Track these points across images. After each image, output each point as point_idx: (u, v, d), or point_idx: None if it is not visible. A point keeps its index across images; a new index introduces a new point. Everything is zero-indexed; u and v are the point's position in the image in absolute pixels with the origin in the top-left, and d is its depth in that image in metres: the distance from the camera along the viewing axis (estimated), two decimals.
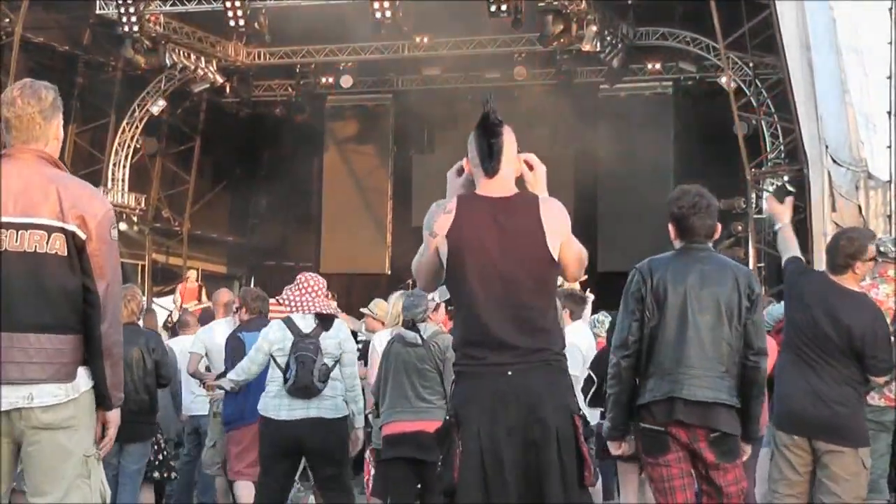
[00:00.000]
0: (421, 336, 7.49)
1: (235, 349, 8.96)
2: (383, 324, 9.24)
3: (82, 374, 4.33)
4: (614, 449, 5.79)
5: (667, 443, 5.40)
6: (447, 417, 4.50)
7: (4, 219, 4.22)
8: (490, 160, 4.56)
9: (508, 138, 4.61)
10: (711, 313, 5.40)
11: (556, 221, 4.53)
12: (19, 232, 4.22)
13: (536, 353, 4.42)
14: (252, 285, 23.28)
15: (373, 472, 8.81)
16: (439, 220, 4.55)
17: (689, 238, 5.62)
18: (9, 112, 4.37)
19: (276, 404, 7.65)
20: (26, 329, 4.19)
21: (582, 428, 4.44)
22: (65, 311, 4.26)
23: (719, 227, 5.75)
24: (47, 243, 4.23)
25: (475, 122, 4.63)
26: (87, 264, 4.30)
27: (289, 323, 7.77)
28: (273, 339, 7.76)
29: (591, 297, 10.90)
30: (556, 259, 4.50)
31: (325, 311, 7.78)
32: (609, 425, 5.68)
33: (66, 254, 4.25)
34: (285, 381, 7.55)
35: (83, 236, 4.27)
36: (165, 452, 9.45)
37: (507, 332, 4.40)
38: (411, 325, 7.62)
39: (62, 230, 4.25)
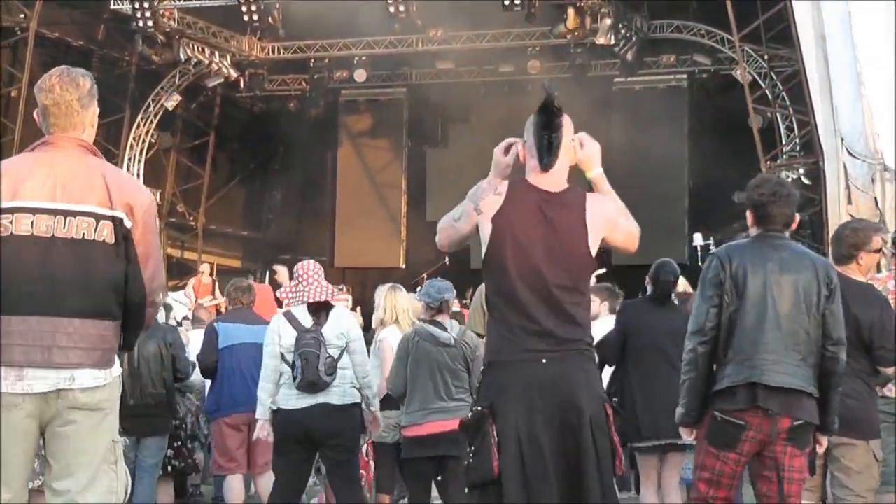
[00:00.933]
0: (454, 337, 7.53)
1: (210, 337, 9.02)
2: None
3: (116, 360, 4.40)
4: (686, 434, 5.74)
5: (736, 439, 5.35)
6: (478, 408, 4.49)
7: (53, 205, 4.26)
8: (549, 154, 4.58)
9: (567, 130, 4.64)
10: (791, 300, 5.37)
11: (600, 218, 4.58)
12: (67, 219, 4.26)
13: (570, 343, 4.47)
14: (266, 280, 23.31)
15: (374, 466, 8.80)
16: (487, 198, 4.57)
17: (766, 225, 5.59)
18: (47, 99, 4.40)
19: (286, 395, 7.69)
20: (72, 314, 4.24)
21: (613, 416, 4.49)
22: (108, 299, 4.31)
23: (797, 217, 5.73)
24: (95, 230, 4.27)
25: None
26: (133, 252, 4.35)
27: (290, 317, 7.76)
28: (280, 334, 7.76)
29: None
30: (594, 257, 4.56)
31: (317, 300, 7.73)
32: (682, 411, 5.61)
33: (113, 242, 4.30)
34: (294, 377, 7.57)
35: (129, 225, 4.32)
36: (187, 444, 9.50)
37: (542, 320, 4.44)
38: (434, 321, 7.62)
39: (111, 218, 4.30)
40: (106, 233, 4.28)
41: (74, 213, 4.26)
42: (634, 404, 7.73)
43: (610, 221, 4.62)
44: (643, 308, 8.20)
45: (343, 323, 7.79)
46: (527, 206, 4.53)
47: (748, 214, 5.69)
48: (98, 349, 4.28)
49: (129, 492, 4.50)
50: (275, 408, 7.75)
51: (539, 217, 4.51)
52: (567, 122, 4.63)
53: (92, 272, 4.26)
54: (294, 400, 7.64)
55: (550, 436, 4.35)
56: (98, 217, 4.27)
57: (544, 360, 4.40)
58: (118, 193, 4.33)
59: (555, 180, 4.60)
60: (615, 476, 4.50)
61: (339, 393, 7.65)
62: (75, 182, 4.31)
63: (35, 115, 4.51)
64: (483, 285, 7.35)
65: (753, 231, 5.66)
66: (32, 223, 4.23)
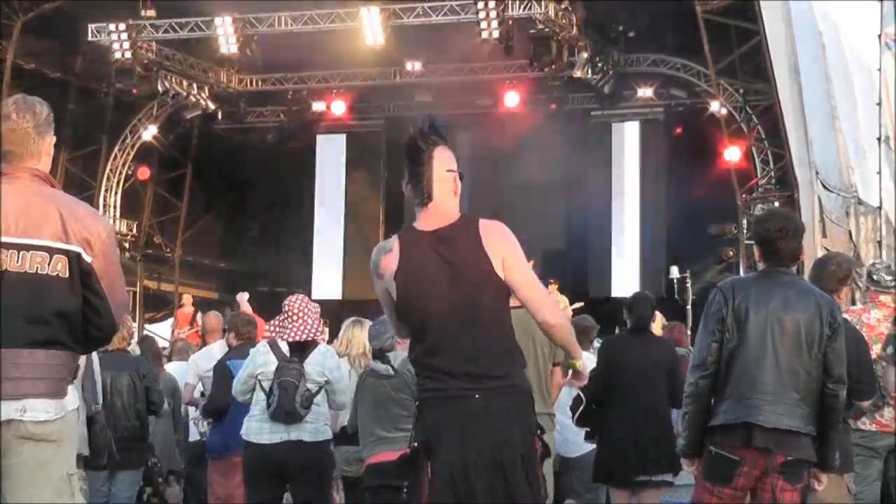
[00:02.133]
0: (392, 367, 7.47)
1: (222, 376, 8.93)
2: None
3: (71, 391, 4.32)
4: (687, 466, 5.72)
5: (731, 475, 5.32)
6: (413, 444, 4.43)
7: (6, 239, 4.20)
8: (422, 187, 4.48)
9: (439, 159, 4.52)
10: (792, 339, 5.33)
11: (498, 241, 4.44)
12: (20, 253, 4.20)
13: (498, 379, 4.39)
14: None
15: (339, 499, 8.77)
16: (383, 261, 4.50)
17: (774, 261, 5.56)
18: (4, 126, 4.35)
19: (257, 428, 7.62)
20: (20, 345, 4.18)
21: (541, 450, 4.49)
22: (59, 329, 4.25)
23: (804, 248, 5.73)
24: (49, 265, 4.22)
25: (431, 152, 4.55)
26: (97, 285, 4.29)
27: (273, 347, 7.74)
28: (259, 362, 7.74)
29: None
30: (503, 279, 4.42)
31: (299, 339, 7.69)
32: (683, 443, 5.61)
33: (67, 276, 4.25)
34: (268, 405, 7.53)
35: (89, 259, 4.27)
36: (160, 480, 9.43)
37: (466, 361, 4.37)
38: (380, 354, 7.59)
39: (65, 252, 4.24)
40: (60, 267, 4.22)
41: (28, 248, 4.19)
42: (611, 441, 7.77)
43: (510, 248, 4.45)
44: (623, 342, 8.23)
45: (327, 362, 7.75)
46: (420, 251, 4.43)
47: (755, 250, 5.68)
48: (46, 378, 4.20)
49: None
50: (246, 440, 7.71)
51: (436, 258, 4.40)
52: (440, 151, 4.53)
53: (44, 306, 4.20)
54: (266, 434, 7.57)
55: (483, 471, 4.30)
56: (52, 251, 4.20)
57: (476, 396, 4.33)
58: (74, 227, 4.25)
59: (442, 212, 4.47)
60: None
61: (313, 430, 7.61)
62: (28, 215, 4.24)
63: None
64: None
65: (761, 266, 5.65)
66: None
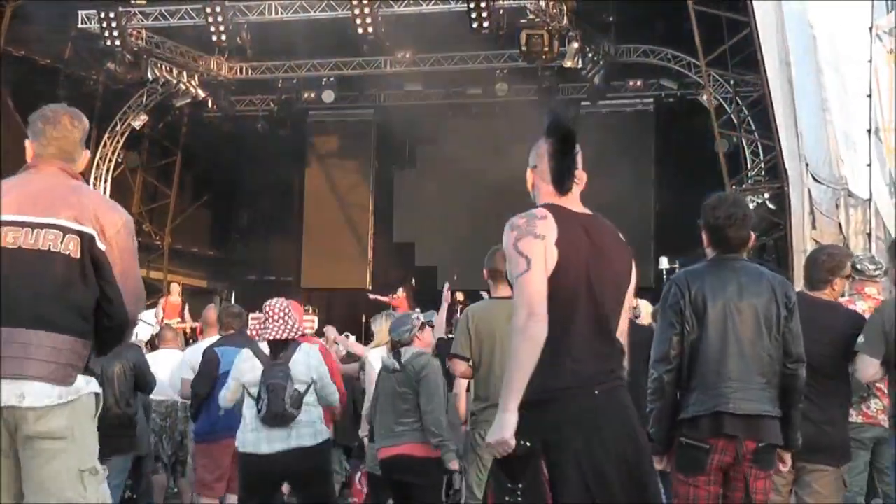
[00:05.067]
0: (399, 362, 7.50)
1: (209, 363, 8.95)
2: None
3: (81, 380, 4.30)
4: (657, 464, 5.71)
5: (704, 463, 5.32)
6: (523, 443, 4.17)
7: (21, 217, 4.28)
8: (568, 179, 4.50)
9: (580, 154, 4.58)
10: (751, 325, 5.35)
11: (627, 245, 4.53)
12: (35, 231, 4.27)
13: (615, 372, 4.37)
14: (233, 300, 23.21)
15: (364, 493, 8.84)
16: (539, 224, 4.32)
17: (723, 248, 5.57)
18: (56, 131, 4.51)
19: (254, 438, 7.54)
20: (26, 324, 4.19)
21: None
22: (68, 312, 4.27)
23: (753, 236, 5.71)
24: (61, 243, 4.26)
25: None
26: (109, 272, 4.33)
27: (256, 351, 7.73)
28: (243, 369, 7.71)
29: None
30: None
31: (279, 338, 7.68)
32: (651, 440, 5.56)
33: (77, 256, 4.27)
34: (258, 410, 7.50)
35: (102, 246, 4.30)
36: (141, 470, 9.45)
37: (601, 351, 4.32)
38: (395, 348, 7.63)
39: (78, 233, 4.29)
40: (72, 246, 4.27)
41: (43, 226, 4.27)
42: None
43: (632, 256, 4.56)
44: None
45: (312, 361, 7.74)
46: (575, 229, 4.36)
47: (704, 236, 5.66)
48: (51, 362, 4.19)
49: None
50: (241, 450, 7.70)
51: (586, 239, 4.36)
52: (579, 147, 4.57)
53: (52, 284, 4.24)
54: (265, 444, 7.50)
55: (614, 467, 4.20)
56: (65, 230, 4.27)
57: (596, 392, 4.24)
58: (90, 212, 4.35)
59: (577, 202, 4.50)
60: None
61: (312, 433, 7.58)
62: (49, 197, 4.34)
63: (28, 143, 4.58)
64: (470, 308, 7.38)
65: (710, 253, 5.64)
66: (0, 236, 4.25)
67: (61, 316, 4.24)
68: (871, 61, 19.60)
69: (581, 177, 4.56)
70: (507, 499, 4.25)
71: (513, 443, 4.14)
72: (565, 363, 4.25)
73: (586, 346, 4.28)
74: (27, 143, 4.56)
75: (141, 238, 25.44)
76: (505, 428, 4.14)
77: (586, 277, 4.30)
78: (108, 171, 24.79)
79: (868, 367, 6.34)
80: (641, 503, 4.27)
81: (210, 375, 8.84)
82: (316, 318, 20.87)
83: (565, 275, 4.27)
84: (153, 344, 15.29)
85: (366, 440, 8.99)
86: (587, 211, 4.51)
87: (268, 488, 7.71)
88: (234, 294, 26.11)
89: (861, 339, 6.34)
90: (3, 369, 4.13)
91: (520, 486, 4.23)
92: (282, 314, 7.69)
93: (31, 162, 4.52)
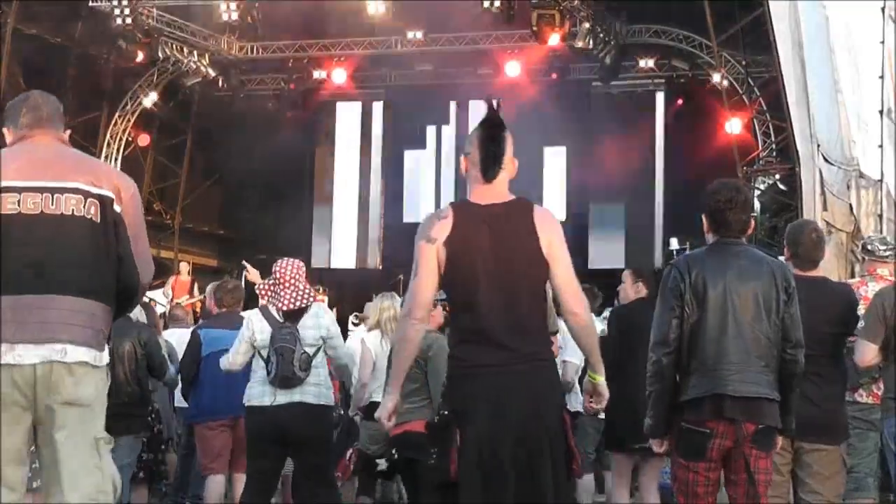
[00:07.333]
0: None
1: (192, 346, 8.98)
2: None
3: (106, 349, 4.37)
4: (656, 447, 5.74)
5: (704, 448, 5.35)
6: (443, 412, 4.68)
7: (40, 183, 4.27)
8: (494, 166, 4.75)
9: (509, 143, 4.80)
10: (751, 308, 5.39)
11: (548, 226, 4.72)
12: (55, 195, 4.27)
13: (532, 355, 4.62)
14: (243, 281, 23.23)
15: (351, 471, 8.83)
16: (435, 226, 4.68)
17: (723, 232, 5.61)
18: (33, 103, 4.56)
19: (259, 392, 7.66)
20: (65, 291, 4.22)
21: (570, 422, 4.71)
22: (96, 277, 4.31)
23: (753, 221, 5.76)
24: (84, 207, 4.28)
25: (472, 119, 4.81)
26: (125, 235, 4.37)
27: (266, 313, 7.74)
28: (255, 328, 7.75)
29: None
30: (548, 262, 4.67)
31: (293, 308, 7.70)
32: (650, 423, 5.62)
33: (99, 220, 4.29)
34: (268, 373, 7.56)
35: (118, 209, 4.34)
36: (160, 449, 9.47)
37: (504, 335, 4.58)
38: None
39: (98, 196, 4.31)
40: (94, 211, 4.29)
41: (62, 190, 4.27)
42: (624, 408, 7.76)
43: (553, 242, 4.72)
44: (635, 310, 8.12)
45: (321, 321, 7.77)
46: (474, 222, 4.67)
47: (704, 220, 5.71)
48: (88, 327, 4.25)
49: (119, 491, 4.46)
50: (247, 404, 7.74)
51: (487, 231, 4.65)
52: (509, 136, 4.81)
53: (80, 249, 4.26)
54: (269, 397, 7.61)
55: (510, 444, 4.51)
56: (86, 194, 4.29)
57: (509, 372, 4.55)
58: (105, 176, 4.39)
59: (498, 191, 4.77)
60: (570, 479, 4.73)
61: (315, 393, 7.63)
62: (60, 163, 4.36)
63: (6, 130, 4.58)
64: None
65: (710, 237, 5.68)
66: (19, 202, 4.23)
67: (89, 282, 4.28)
68: (883, 42, 19.51)
69: (510, 163, 4.81)
70: (429, 462, 4.79)
71: (386, 423, 4.79)
72: (478, 343, 4.60)
73: (495, 330, 4.58)
74: (5, 130, 4.58)
75: (151, 217, 25.54)
76: (382, 408, 4.81)
77: (484, 269, 4.60)
78: (118, 149, 24.79)
79: (867, 352, 6.37)
80: (531, 483, 4.50)
81: (194, 358, 8.89)
82: (326, 298, 20.91)
83: (458, 270, 4.64)
84: (164, 324, 15.33)
85: (357, 419, 9.00)
86: (504, 199, 4.75)
87: (272, 447, 7.71)
88: (244, 273, 26.10)
89: (861, 323, 6.35)
90: (44, 334, 4.16)
91: (434, 450, 4.70)
92: (293, 279, 7.71)
93: (23, 133, 4.50)
